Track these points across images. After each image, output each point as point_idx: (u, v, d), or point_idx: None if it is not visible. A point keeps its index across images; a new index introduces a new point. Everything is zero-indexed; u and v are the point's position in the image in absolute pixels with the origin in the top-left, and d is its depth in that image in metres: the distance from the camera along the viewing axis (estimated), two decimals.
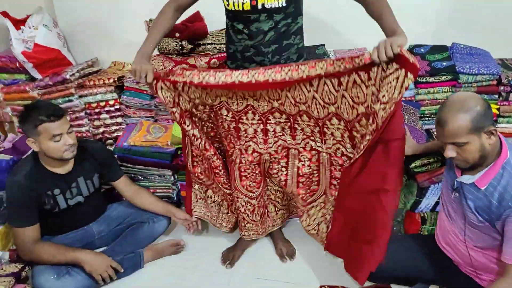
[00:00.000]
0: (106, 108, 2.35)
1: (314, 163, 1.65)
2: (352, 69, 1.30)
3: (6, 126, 2.49)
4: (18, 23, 2.25)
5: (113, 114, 2.38)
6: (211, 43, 2.20)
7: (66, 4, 2.39)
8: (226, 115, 1.59)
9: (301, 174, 1.67)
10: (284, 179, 1.70)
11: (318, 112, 1.48)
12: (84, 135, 2.38)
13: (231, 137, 1.65)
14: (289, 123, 1.56)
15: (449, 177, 1.38)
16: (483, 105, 1.17)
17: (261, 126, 1.57)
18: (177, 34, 2.15)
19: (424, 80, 2.09)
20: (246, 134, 1.61)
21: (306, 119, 1.52)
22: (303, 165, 1.65)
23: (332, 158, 1.61)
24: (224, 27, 2.07)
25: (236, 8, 1.39)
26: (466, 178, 1.28)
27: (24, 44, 2.21)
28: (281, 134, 1.59)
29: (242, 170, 1.68)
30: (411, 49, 2.23)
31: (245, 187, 1.72)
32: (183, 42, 2.18)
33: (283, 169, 1.68)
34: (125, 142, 2.18)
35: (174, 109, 1.59)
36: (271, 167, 1.69)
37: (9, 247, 1.73)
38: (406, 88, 1.23)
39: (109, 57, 2.57)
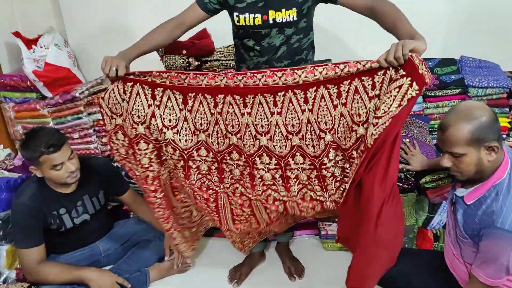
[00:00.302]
0: None
1: (319, 211, 1.43)
2: (356, 74, 1.16)
3: (17, 144, 2.52)
4: (30, 43, 2.30)
5: None
6: (218, 60, 2.22)
7: (77, 24, 2.45)
8: (206, 156, 1.43)
9: (308, 216, 1.51)
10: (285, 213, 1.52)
11: (313, 146, 1.30)
12: (92, 152, 2.40)
13: (210, 183, 1.48)
14: (280, 171, 1.37)
15: (452, 191, 1.35)
16: (490, 116, 1.11)
17: (248, 170, 1.40)
18: (184, 51, 2.17)
19: (432, 94, 2.06)
20: (231, 176, 1.44)
21: (300, 160, 1.34)
22: (308, 212, 1.43)
23: (339, 205, 1.38)
24: (231, 43, 2.09)
25: (247, 23, 1.37)
26: (460, 191, 1.25)
27: (35, 63, 2.25)
28: (271, 183, 1.39)
29: (235, 214, 1.53)
30: None
31: (239, 230, 1.59)
32: (190, 59, 2.20)
33: (285, 216, 1.56)
34: None
35: (136, 126, 1.41)
36: (270, 216, 1.51)
37: (15, 266, 1.73)
38: (409, 101, 1.07)
39: None
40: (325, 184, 1.36)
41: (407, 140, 1.86)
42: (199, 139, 1.41)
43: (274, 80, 1.24)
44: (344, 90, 1.21)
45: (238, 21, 1.39)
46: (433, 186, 1.74)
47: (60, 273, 1.56)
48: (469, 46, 2.20)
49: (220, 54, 2.24)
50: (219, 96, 1.32)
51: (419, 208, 1.90)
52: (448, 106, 2.07)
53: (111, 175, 1.85)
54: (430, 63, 2.17)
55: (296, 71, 1.22)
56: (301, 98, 1.26)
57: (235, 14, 1.38)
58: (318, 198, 1.39)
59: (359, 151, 1.22)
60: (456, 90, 2.04)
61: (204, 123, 1.38)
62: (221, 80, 1.30)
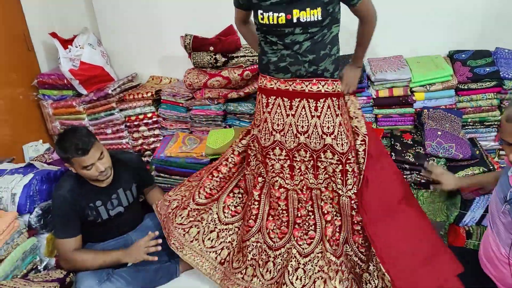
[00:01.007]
0: (145, 121, 2.45)
1: (336, 204, 1.59)
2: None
3: (55, 139, 2.66)
4: (66, 43, 2.41)
5: (151, 127, 2.47)
6: (244, 56, 2.24)
7: (109, 24, 2.54)
8: (257, 148, 1.65)
9: (325, 212, 1.59)
10: (313, 223, 1.61)
11: (342, 144, 1.51)
12: (124, 147, 2.49)
13: (263, 170, 1.66)
14: (312, 162, 1.56)
15: (502, 188, 1.28)
16: None
17: (288, 162, 1.59)
18: (211, 48, 2.21)
19: (465, 87, 2.00)
20: (273, 169, 1.62)
21: (329, 156, 1.53)
22: (325, 203, 1.60)
23: (353, 201, 1.55)
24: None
25: (271, 22, 1.37)
26: None
27: (71, 62, 2.36)
28: (305, 172, 1.59)
29: (272, 208, 1.65)
30: (451, 55, 2.14)
31: (268, 230, 1.64)
32: (217, 56, 2.23)
33: (310, 213, 1.62)
34: (162, 153, 2.25)
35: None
36: (298, 215, 1.62)
37: (55, 254, 1.83)
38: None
39: (148, 72, 2.69)
40: (346, 178, 1.54)
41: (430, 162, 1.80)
42: (253, 133, 1.67)
43: (318, 88, 1.46)
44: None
45: (262, 19, 1.39)
46: None
47: (96, 258, 1.63)
48: (505, 37, 2.11)
49: (246, 50, 2.26)
50: (272, 97, 1.53)
51: (451, 204, 1.84)
52: (483, 100, 2.00)
53: (140, 167, 1.94)
54: (463, 55, 2.10)
55: (334, 81, 1.48)
56: (336, 105, 1.50)
57: (259, 11, 1.39)
58: (337, 190, 1.57)
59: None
60: (491, 83, 1.96)
61: (257, 120, 1.62)
62: (275, 83, 1.49)
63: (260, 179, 1.67)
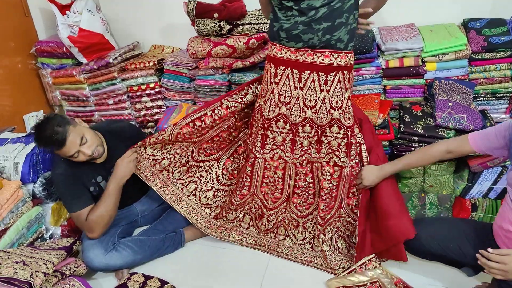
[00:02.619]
0: (147, 91, 2.39)
1: (335, 179, 1.63)
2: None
3: (56, 110, 2.61)
4: (64, 9, 2.32)
5: (153, 97, 2.42)
6: (250, 23, 2.16)
7: None
8: (259, 120, 1.61)
9: (321, 187, 1.64)
10: (312, 193, 1.70)
11: (349, 118, 1.52)
12: (126, 117, 2.45)
13: (254, 147, 1.65)
14: (316, 137, 1.56)
15: None
16: None
17: (290, 136, 1.57)
18: (216, 15, 2.12)
19: (479, 57, 1.93)
20: (273, 142, 1.60)
21: (335, 130, 1.52)
22: (324, 178, 1.62)
23: (353, 169, 1.62)
24: None
25: None
26: None
27: (70, 29, 2.28)
28: (307, 148, 1.59)
29: (265, 177, 1.68)
30: (465, 23, 2.06)
31: (263, 193, 1.71)
32: (222, 23, 2.15)
33: (311, 185, 1.68)
34: (165, 125, 2.22)
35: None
36: (297, 185, 1.67)
37: (61, 223, 1.82)
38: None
39: (150, 41, 2.61)
40: (350, 150, 1.56)
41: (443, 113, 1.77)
42: (258, 103, 1.63)
43: (330, 60, 1.40)
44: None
45: None
46: (474, 154, 1.66)
47: (104, 203, 1.57)
48: None
49: (252, 17, 2.17)
50: (281, 67, 1.47)
51: (457, 177, 1.83)
52: (496, 70, 1.94)
53: (137, 135, 1.84)
54: (478, 24, 2.02)
55: (347, 54, 1.41)
56: (346, 78, 1.45)
57: None
58: (340, 164, 1.60)
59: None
60: (506, 52, 1.90)
61: (264, 90, 1.57)
62: (285, 53, 1.43)
63: (251, 155, 1.66)
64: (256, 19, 2.16)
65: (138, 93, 2.40)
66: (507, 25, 1.98)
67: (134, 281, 1.56)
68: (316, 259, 1.70)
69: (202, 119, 1.68)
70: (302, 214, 1.73)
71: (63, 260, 1.51)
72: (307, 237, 1.76)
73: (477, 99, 2.01)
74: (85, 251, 1.59)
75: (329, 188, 1.64)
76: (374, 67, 2.06)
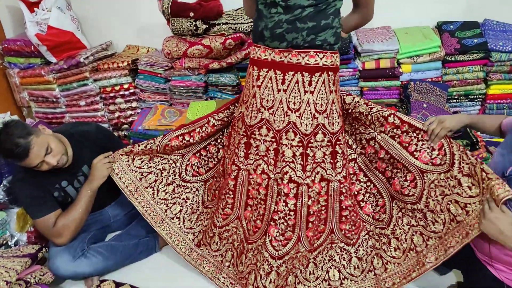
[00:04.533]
0: (121, 92, 2.32)
1: (322, 196, 1.44)
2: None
3: (24, 111, 2.50)
4: (32, 6, 2.22)
5: (128, 98, 2.35)
6: (226, 23, 2.13)
7: None
8: (240, 128, 1.49)
9: (311, 212, 1.44)
10: (292, 224, 1.44)
11: (333, 123, 1.40)
12: (99, 120, 2.37)
13: (237, 157, 1.50)
14: (301, 149, 1.39)
15: (502, 162, 1.23)
16: None
17: (274, 145, 1.43)
18: (192, 14, 2.08)
19: (453, 59, 1.96)
20: (257, 151, 1.46)
21: (320, 138, 1.39)
22: (313, 201, 1.43)
23: (342, 185, 1.44)
24: (240, 6, 1.98)
25: None
26: None
27: (38, 26, 2.19)
28: (290, 161, 1.40)
29: (250, 197, 1.50)
30: (439, 26, 2.09)
31: (247, 220, 1.52)
32: (198, 22, 2.11)
33: (291, 212, 1.43)
34: (139, 126, 2.16)
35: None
36: (276, 209, 1.43)
37: (26, 229, 1.73)
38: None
39: (124, 40, 2.53)
40: (336, 161, 1.43)
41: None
42: (240, 111, 1.51)
43: (315, 61, 1.33)
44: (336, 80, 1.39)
45: None
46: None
47: (76, 208, 1.50)
48: (494, 8, 2.07)
49: (228, 17, 2.15)
50: (264, 69, 1.39)
51: None
52: (469, 72, 1.97)
53: (106, 139, 1.73)
54: (451, 26, 2.06)
55: (333, 54, 1.34)
56: (331, 80, 1.37)
57: None
58: (327, 177, 1.43)
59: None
60: (478, 54, 1.94)
61: (246, 95, 1.47)
62: (269, 54, 1.36)
63: (234, 167, 1.52)
64: (233, 19, 2.13)
65: (111, 94, 2.32)
66: (480, 27, 2.04)
67: None
68: None
69: (191, 134, 1.62)
70: (276, 254, 1.44)
71: (28, 268, 1.43)
72: (279, 284, 1.47)
73: (451, 100, 2.04)
74: (52, 258, 1.51)
75: (318, 210, 1.45)
76: (351, 69, 2.07)
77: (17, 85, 2.36)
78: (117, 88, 2.31)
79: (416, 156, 1.36)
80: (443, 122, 1.32)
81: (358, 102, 1.44)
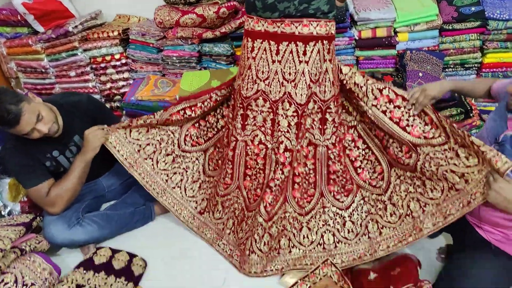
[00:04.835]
0: (112, 63, 2.27)
1: (310, 160, 1.47)
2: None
3: (12, 82, 2.44)
4: None
5: (119, 69, 2.30)
6: None
7: None
8: (237, 100, 1.49)
9: (296, 174, 1.47)
10: (282, 188, 1.47)
11: (325, 91, 1.39)
12: (90, 91, 2.32)
13: (234, 129, 1.51)
14: (296, 118, 1.41)
15: (495, 128, 1.23)
16: None
17: (271, 116, 1.44)
18: None
19: (450, 28, 1.94)
20: (254, 122, 1.46)
21: (311, 106, 1.40)
22: (299, 163, 1.47)
23: (330, 151, 1.47)
24: None
25: None
26: None
27: None
28: (286, 131, 1.43)
29: (248, 167, 1.52)
30: None
31: (247, 189, 1.54)
32: None
33: (285, 178, 1.46)
34: (132, 97, 2.12)
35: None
36: (273, 177, 1.45)
37: (20, 199, 1.72)
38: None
39: (114, 10, 2.46)
40: (325, 127, 1.44)
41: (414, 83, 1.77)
42: (237, 83, 1.48)
43: (309, 30, 1.30)
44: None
45: None
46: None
47: (69, 178, 1.49)
48: None
49: None
50: (258, 40, 1.37)
51: None
52: (466, 41, 1.96)
53: (97, 110, 1.70)
54: None
55: (328, 22, 1.31)
56: (326, 49, 1.34)
57: None
58: (314, 141, 1.46)
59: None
60: (475, 22, 1.92)
61: (242, 68, 1.45)
62: (263, 25, 1.34)
63: (232, 138, 1.54)
64: None
65: (102, 65, 2.27)
66: None
67: (101, 255, 1.49)
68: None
69: (193, 109, 1.61)
70: (267, 216, 1.46)
71: (23, 236, 1.42)
72: (272, 246, 1.49)
73: (446, 69, 2.04)
74: (47, 226, 1.50)
75: (304, 173, 1.49)
76: (347, 38, 2.04)
77: (4, 55, 2.29)
78: (108, 58, 2.25)
79: (408, 131, 1.34)
80: (426, 90, 1.30)
81: (355, 73, 1.42)
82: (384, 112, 1.38)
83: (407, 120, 1.34)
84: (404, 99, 1.34)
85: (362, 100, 1.40)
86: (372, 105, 1.39)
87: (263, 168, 1.50)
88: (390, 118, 1.36)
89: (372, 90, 1.38)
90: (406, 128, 1.34)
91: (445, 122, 1.26)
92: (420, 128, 1.32)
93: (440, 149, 1.30)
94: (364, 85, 1.40)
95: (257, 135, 1.47)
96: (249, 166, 1.52)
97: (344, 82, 1.43)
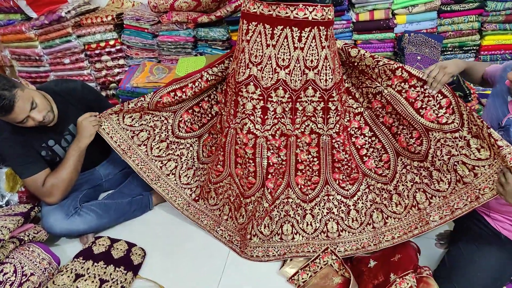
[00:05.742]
0: (107, 49, 2.24)
1: (313, 148, 1.46)
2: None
3: (7, 71, 2.42)
4: None
5: (114, 56, 2.27)
6: None
7: None
8: (232, 85, 1.46)
9: (300, 161, 1.47)
10: (283, 171, 1.49)
11: (326, 80, 1.34)
12: (85, 78, 2.30)
13: (228, 114, 1.49)
14: (290, 104, 1.39)
15: (497, 112, 1.22)
16: None
17: (261, 103, 1.40)
18: None
19: (448, 9, 1.90)
20: (243, 110, 1.43)
21: (311, 93, 1.36)
22: (301, 151, 1.46)
23: (334, 140, 1.44)
24: None
25: None
26: None
27: None
28: (281, 116, 1.41)
29: (238, 155, 1.50)
30: None
31: (239, 177, 1.54)
32: None
33: (284, 162, 1.47)
34: (127, 84, 2.10)
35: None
36: (270, 163, 1.45)
37: (17, 189, 1.72)
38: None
39: None
40: (328, 116, 1.41)
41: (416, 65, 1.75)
42: (232, 67, 1.46)
43: (304, 14, 1.26)
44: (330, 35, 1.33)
45: None
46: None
47: (65, 166, 1.48)
48: None
49: None
50: (253, 23, 1.34)
51: None
52: (464, 23, 1.93)
53: (92, 97, 1.67)
54: None
55: (324, 7, 1.26)
56: (323, 35, 1.30)
57: None
58: (317, 130, 1.43)
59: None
60: (474, 4, 1.88)
61: (237, 51, 1.42)
62: (258, 7, 1.31)
63: (225, 124, 1.52)
64: None
65: (97, 51, 2.24)
66: None
67: (99, 244, 1.51)
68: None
69: (183, 90, 1.57)
70: (271, 200, 1.48)
71: (21, 226, 1.43)
72: (273, 230, 1.52)
73: (445, 52, 2.01)
74: (45, 216, 1.51)
75: (308, 160, 1.48)
76: (344, 21, 2.00)
77: None
78: (102, 44, 2.22)
79: (421, 113, 1.31)
80: (446, 67, 1.25)
81: (364, 55, 1.37)
82: (399, 92, 1.35)
83: (422, 101, 1.31)
84: (419, 79, 1.30)
85: (377, 80, 1.38)
86: (387, 85, 1.36)
87: (252, 157, 1.47)
88: (406, 98, 1.34)
89: (385, 71, 1.35)
90: (420, 111, 1.32)
91: (464, 108, 1.23)
92: (434, 111, 1.29)
93: (451, 136, 1.28)
94: (376, 66, 1.36)
95: (246, 124, 1.44)
96: (239, 155, 1.51)
97: (356, 64, 1.40)
